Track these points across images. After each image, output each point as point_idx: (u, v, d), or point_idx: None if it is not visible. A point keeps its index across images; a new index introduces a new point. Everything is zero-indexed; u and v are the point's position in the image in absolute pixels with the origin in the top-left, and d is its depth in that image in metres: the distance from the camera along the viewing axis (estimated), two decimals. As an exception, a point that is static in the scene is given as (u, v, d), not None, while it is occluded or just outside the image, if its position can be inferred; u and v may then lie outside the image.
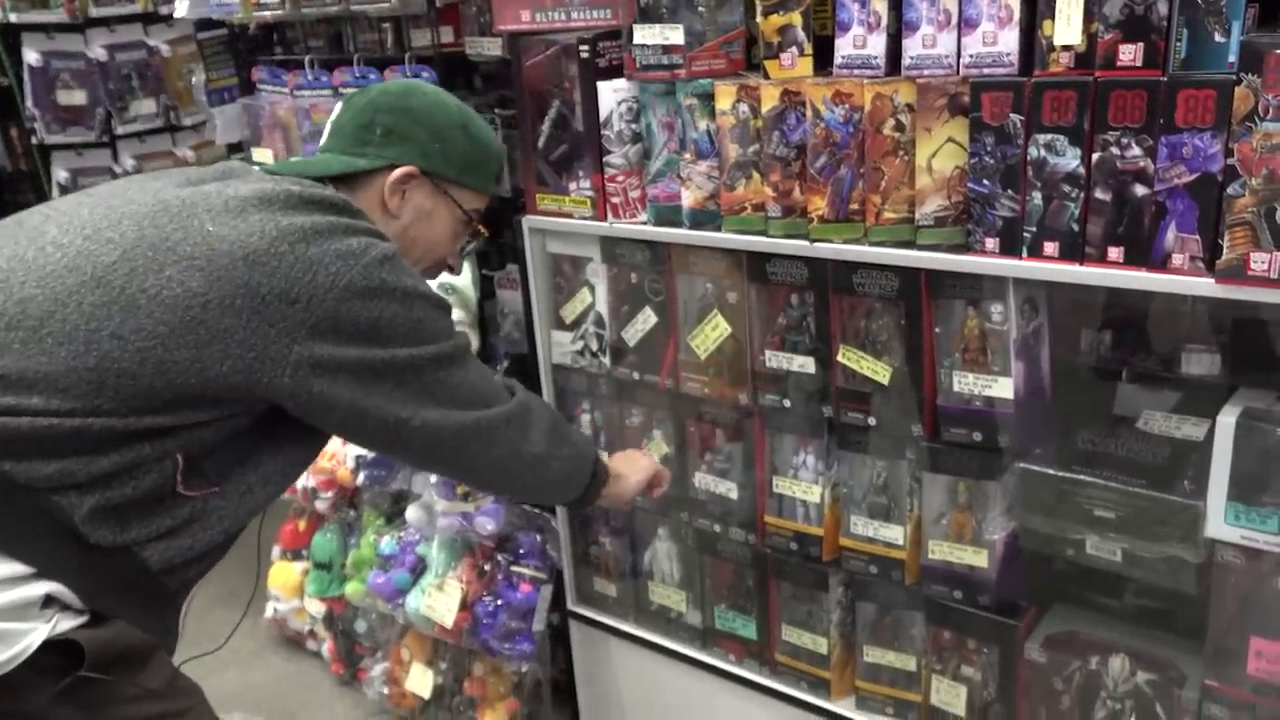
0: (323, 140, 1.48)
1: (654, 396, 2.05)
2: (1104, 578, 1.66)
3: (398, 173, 1.40)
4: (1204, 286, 1.33)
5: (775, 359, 1.81)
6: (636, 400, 2.09)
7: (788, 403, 1.82)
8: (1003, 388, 1.58)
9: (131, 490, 1.17)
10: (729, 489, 1.98)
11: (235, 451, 1.26)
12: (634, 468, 1.81)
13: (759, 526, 1.94)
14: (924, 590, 1.77)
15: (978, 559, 1.70)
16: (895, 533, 1.77)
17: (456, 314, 2.08)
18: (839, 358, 1.73)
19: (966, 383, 1.61)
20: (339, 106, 1.49)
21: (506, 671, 2.33)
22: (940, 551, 1.73)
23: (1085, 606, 1.75)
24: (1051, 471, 1.60)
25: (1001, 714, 1.75)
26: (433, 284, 2.08)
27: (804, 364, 1.78)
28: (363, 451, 2.28)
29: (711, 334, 1.88)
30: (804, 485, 1.87)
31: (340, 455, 2.38)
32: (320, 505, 2.53)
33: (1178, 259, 1.35)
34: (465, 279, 2.10)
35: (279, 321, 1.16)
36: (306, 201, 1.23)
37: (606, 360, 2.06)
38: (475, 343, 2.16)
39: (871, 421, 1.73)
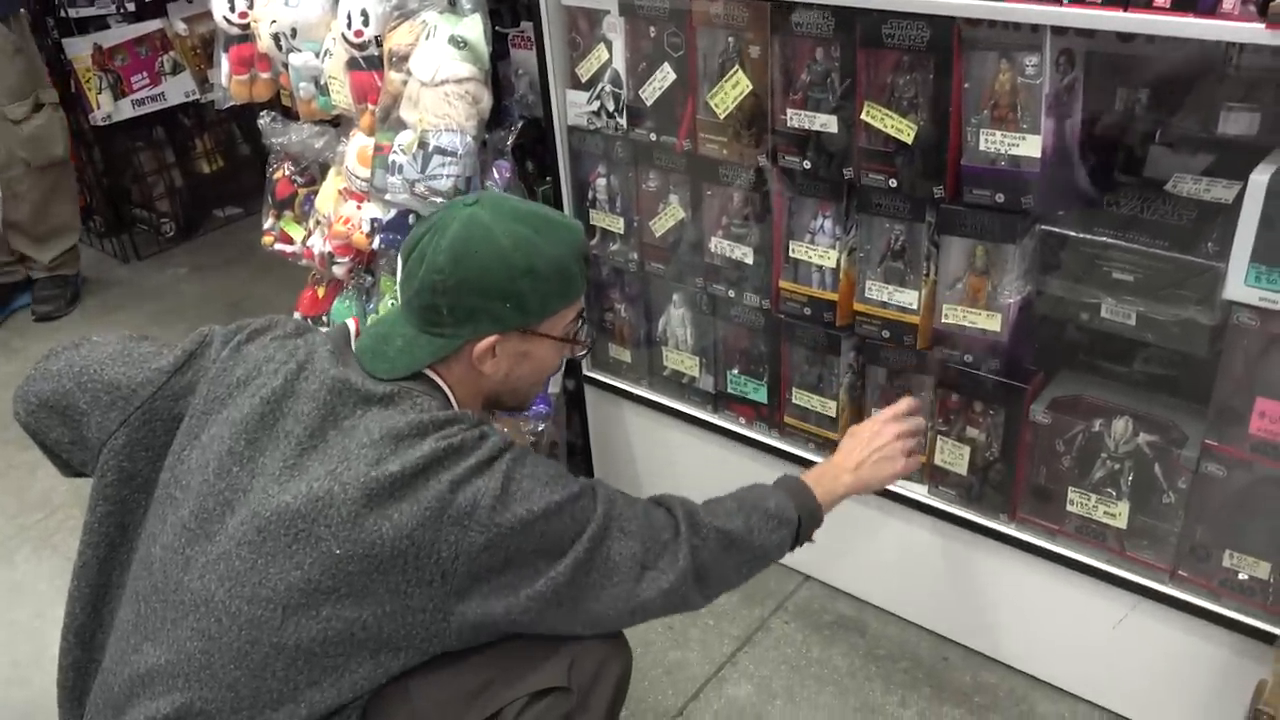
0: (399, 301, 1.38)
1: (671, 159, 2.00)
2: (1114, 343, 1.67)
3: (480, 347, 1.32)
4: (1254, 33, 1.26)
5: (797, 118, 1.75)
6: (653, 163, 2.04)
7: (808, 164, 1.78)
8: (1030, 146, 1.53)
9: None
10: (744, 254, 1.97)
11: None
12: (854, 449, 1.57)
13: (773, 292, 1.95)
14: (935, 354, 1.79)
15: (990, 323, 1.70)
16: (909, 297, 1.77)
17: (467, 69, 2.01)
18: (863, 116, 1.67)
19: (994, 141, 1.56)
20: (400, 262, 1.37)
21: (524, 432, 2.40)
22: (954, 316, 1.73)
23: (1093, 373, 1.77)
24: (1072, 233, 1.57)
25: (1002, 473, 1.81)
26: (442, 36, 2.01)
27: (826, 123, 1.73)
28: (378, 214, 2.26)
29: (732, 91, 1.82)
30: (820, 250, 1.86)
31: (355, 220, 2.36)
32: (337, 271, 2.53)
33: (1228, 2, 1.27)
34: (477, 32, 2.01)
35: (428, 604, 1.22)
36: (409, 476, 1.21)
37: (623, 121, 2.01)
38: (488, 103, 2.09)
39: (893, 184, 1.70)
